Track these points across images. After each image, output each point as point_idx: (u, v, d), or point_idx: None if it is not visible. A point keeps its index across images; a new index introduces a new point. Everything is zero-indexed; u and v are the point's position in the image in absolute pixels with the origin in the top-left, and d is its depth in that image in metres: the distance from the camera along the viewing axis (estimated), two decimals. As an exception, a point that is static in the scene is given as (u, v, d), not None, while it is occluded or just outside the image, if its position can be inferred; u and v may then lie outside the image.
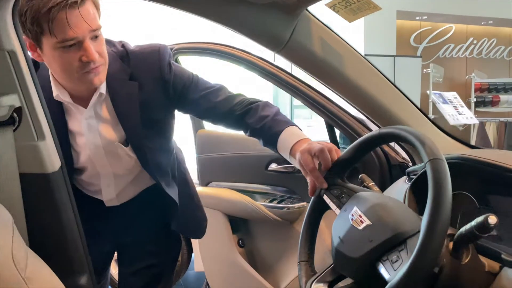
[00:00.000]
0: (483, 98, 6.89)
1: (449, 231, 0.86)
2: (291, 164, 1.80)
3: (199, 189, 2.01)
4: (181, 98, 1.17)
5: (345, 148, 1.73)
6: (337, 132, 1.76)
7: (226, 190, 1.98)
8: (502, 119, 7.14)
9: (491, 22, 7.01)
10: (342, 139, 1.87)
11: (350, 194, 0.98)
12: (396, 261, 0.75)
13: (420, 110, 1.28)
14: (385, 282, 0.76)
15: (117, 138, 1.15)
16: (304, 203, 1.75)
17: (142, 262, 1.30)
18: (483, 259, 0.83)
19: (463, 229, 0.77)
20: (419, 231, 0.80)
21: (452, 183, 1.13)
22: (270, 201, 1.86)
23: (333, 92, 1.19)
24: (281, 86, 1.69)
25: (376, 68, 1.20)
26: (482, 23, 7.09)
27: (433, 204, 0.71)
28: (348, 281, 0.89)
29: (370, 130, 1.59)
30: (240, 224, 2.01)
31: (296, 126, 1.12)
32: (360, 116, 1.50)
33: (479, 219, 0.74)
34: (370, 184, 1.09)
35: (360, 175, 1.13)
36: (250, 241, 2.00)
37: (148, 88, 1.13)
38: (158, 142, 1.20)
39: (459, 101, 6.08)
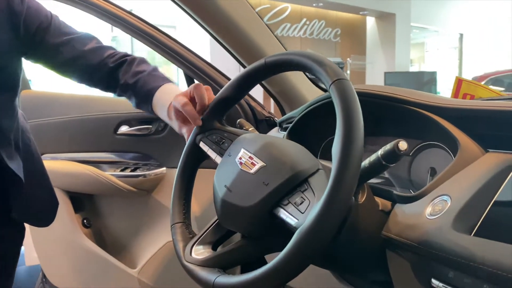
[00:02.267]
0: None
1: None
2: (146, 125, 1.60)
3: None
4: (36, 41, 0.90)
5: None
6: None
7: (63, 162, 1.64)
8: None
9: (321, 4, 7.65)
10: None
11: (232, 139, 0.82)
12: (301, 203, 0.62)
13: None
14: (289, 231, 0.62)
15: None
16: (163, 168, 1.54)
17: None
18: (376, 198, 0.77)
19: (366, 161, 0.68)
20: (319, 169, 0.69)
21: (328, 125, 1.07)
22: (122, 170, 1.60)
23: (200, 24, 1.01)
24: (132, 33, 1.44)
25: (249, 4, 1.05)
26: (314, 5, 7.68)
27: (345, 128, 0.59)
28: (236, 237, 0.74)
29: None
30: (84, 201, 1.69)
31: (175, 84, 0.96)
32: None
33: (387, 146, 0.66)
34: (250, 129, 0.96)
35: (238, 120, 0.99)
36: (97, 220, 1.70)
37: None
38: None
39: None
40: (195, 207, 1.48)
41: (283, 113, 1.29)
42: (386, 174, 0.98)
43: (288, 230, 0.63)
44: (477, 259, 0.58)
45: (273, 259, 0.59)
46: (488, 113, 0.73)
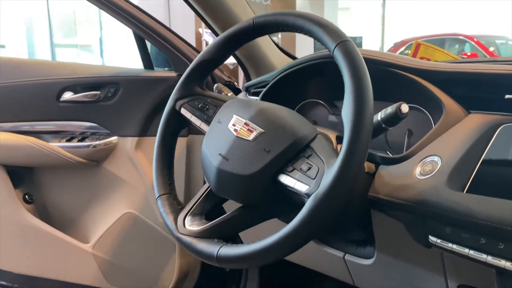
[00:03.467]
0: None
1: (331, 134, 0.78)
2: (94, 91, 1.48)
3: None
4: None
5: (160, 67, 1.50)
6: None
7: (-2, 133, 1.48)
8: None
9: (252, -35, 7.48)
10: (155, 56, 1.61)
11: (217, 104, 0.78)
12: (309, 169, 0.61)
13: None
14: (295, 197, 0.61)
15: None
16: (115, 137, 1.45)
17: None
18: None
19: None
20: (319, 133, 0.68)
21: (301, 90, 1.06)
22: (68, 140, 1.48)
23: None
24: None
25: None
26: (245, -34, 7.49)
27: (356, 90, 0.58)
28: (231, 206, 0.72)
29: (188, 44, 1.40)
30: (23, 175, 1.55)
31: None
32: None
33: (389, 109, 0.67)
34: (229, 94, 0.92)
35: (216, 85, 0.94)
36: (41, 194, 1.57)
37: None
38: None
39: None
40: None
41: (248, 78, 1.26)
42: None
43: (292, 197, 0.62)
44: (474, 215, 0.61)
45: (284, 227, 0.58)
46: (471, 76, 0.76)
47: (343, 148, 0.56)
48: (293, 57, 1.29)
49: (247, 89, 1.17)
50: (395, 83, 0.84)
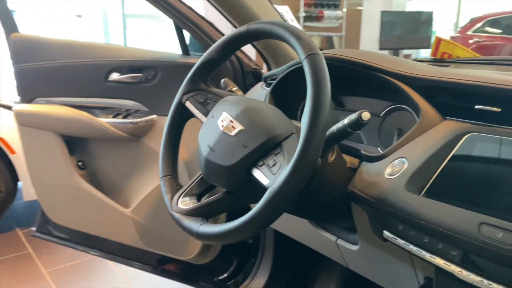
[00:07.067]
0: (310, 13, 7.36)
1: None
2: (136, 73, 1.64)
3: (20, 107, 1.68)
4: None
5: (197, 54, 1.61)
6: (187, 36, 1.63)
7: (58, 106, 1.69)
8: (325, 34, 7.88)
9: None
10: (192, 44, 1.73)
11: (216, 100, 0.89)
12: (273, 165, 0.70)
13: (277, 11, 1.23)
14: (262, 188, 0.71)
15: None
16: (154, 116, 1.61)
17: None
18: (344, 156, 0.86)
19: (334, 127, 0.76)
20: (293, 133, 0.76)
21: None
22: (114, 116, 1.66)
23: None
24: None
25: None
26: None
27: (314, 100, 0.66)
28: (218, 191, 0.83)
29: (222, 34, 1.50)
30: (78, 145, 1.77)
31: None
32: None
33: (352, 116, 0.74)
34: (234, 88, 1.02)
35: (223, 80, 1.04)
36: (92, 162, 1.79)
37: None
38: None
39: (290, 15, 6.38)
40: (185, 154, 1.57)
41: (269, 68, 1.34)
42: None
43: (262, 189, 0.72)
44: (421, 216, 0.68)
45: (248, 213, 0.69)
46: (448, 84, 0.80)
47: (295, 153, 0.65)
48: None
49: (265, 80, 1.25)
50: (382, 85, 0.89)
